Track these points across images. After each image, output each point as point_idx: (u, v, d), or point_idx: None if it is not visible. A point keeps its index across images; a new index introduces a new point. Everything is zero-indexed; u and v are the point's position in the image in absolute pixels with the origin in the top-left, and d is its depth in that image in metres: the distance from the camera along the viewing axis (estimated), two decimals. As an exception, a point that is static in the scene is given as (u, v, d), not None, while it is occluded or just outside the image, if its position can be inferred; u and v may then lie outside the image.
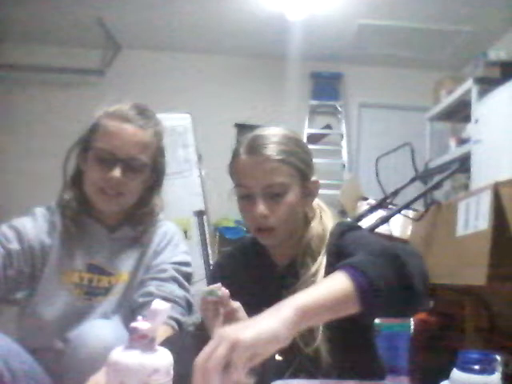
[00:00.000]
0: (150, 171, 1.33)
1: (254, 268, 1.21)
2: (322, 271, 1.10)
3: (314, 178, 1.19)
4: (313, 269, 1.11)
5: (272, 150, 1.10)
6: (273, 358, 1.06)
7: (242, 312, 1.00)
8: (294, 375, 1.09)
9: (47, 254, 1.29)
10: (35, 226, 1.30)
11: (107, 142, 1.26)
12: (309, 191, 1.18)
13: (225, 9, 4.20)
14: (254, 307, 1.08)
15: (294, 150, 1.14)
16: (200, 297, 0.99)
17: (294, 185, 1.13)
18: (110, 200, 1.28)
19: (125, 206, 1.31)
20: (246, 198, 1.13)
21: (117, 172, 1.24)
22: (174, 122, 2.74)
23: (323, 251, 1.14)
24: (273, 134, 1.14)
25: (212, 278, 1.22)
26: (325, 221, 1.20)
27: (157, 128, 1.34)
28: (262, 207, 1.09)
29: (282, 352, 1.04)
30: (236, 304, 0.99)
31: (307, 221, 1.20)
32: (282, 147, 1.12)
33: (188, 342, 1.04)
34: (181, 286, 1.31)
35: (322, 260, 1.12)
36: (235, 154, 1.16)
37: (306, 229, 1.18)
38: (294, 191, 1.13)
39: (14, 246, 1.25)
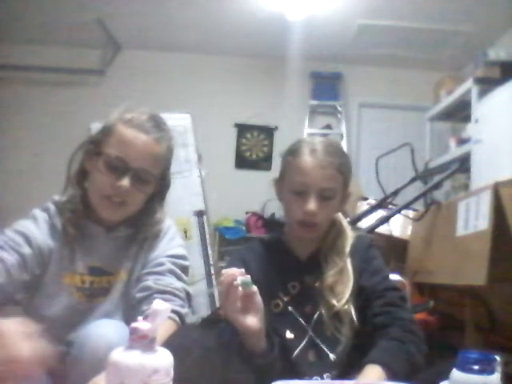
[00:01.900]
0: (156, 184, 1.33)
1: (276, 258, 1.35)
2: (349, 268, 1.28)
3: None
4: (340, 264, 1.29)
5: (334, 158, 1.27)
6: (283, 335, 1.21)
7: (258, 296, 1.08)
8: (304, 353, 1.21)
9: (50, 256, 1.29)
10: (39, 228, 1.29)
11: (121, 150, 1.25)
12: (345, 198, 1.34)
13: (225, 9, 4.21)
14: (276, 291, 1.29)
15: (346, 162, 1.32)
16: (223, 279, 1.05)
17: (340, 191, 1.30)
18: (113, 208, 1.27)
19: (126, 215, 1.31)
20: (299, 194, 1.27)
21: (126, 181, 1.23)
22: (174, 122, 2.72)
23: (347, 251, 1.31)
24: (331, 145, 1.31)
25: (232, 265, 1.27)
26: (343, 225, 1.38)
27: (170, 143, 1.34)
28: (314, 205, 1.24)
29: (293, 329, 1.23)
30: (254, 288, 1.07)
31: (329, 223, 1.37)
32: (340, 158, 1.29)
33: (194, 337, 1.08)
34: (178, 278, 1.31)
35: (347, 259, 1.29)
36: (296, 153, 1.29)
37: (333, 229, 1.35)
38: (339, 197, 1.30)
39: (26, 249, 1.24)
